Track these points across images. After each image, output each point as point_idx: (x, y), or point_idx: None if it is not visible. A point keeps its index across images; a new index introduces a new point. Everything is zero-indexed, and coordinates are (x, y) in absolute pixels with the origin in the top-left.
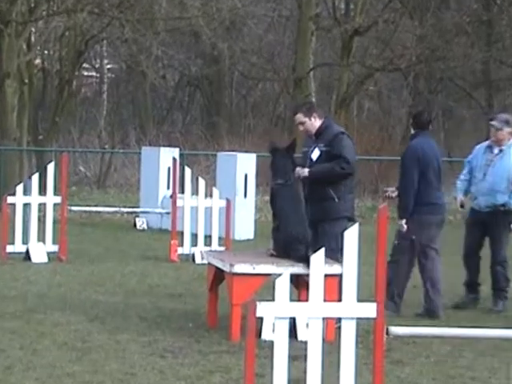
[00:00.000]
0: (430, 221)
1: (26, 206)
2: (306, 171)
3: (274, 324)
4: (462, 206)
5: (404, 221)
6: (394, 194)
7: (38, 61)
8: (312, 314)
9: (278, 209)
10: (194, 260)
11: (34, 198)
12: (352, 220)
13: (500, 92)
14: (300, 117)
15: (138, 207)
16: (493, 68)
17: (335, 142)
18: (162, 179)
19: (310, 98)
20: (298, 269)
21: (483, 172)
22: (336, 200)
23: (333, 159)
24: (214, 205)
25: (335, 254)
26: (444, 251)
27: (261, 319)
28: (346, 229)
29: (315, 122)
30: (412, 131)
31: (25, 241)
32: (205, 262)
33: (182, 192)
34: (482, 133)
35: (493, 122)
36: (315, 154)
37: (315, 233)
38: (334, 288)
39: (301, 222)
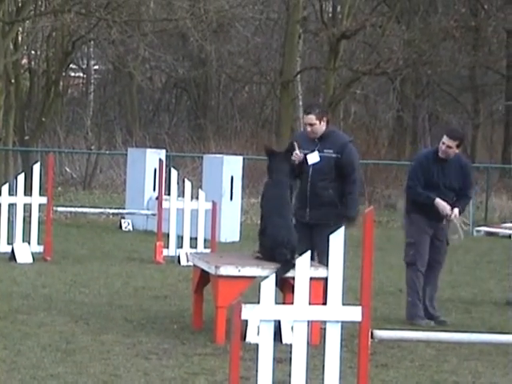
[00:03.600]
0: None
1: (12, 206)
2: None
3: (258, 327)
4: None
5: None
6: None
7: (24, 61)
8: (297, 317)
9: (265, 211)
10: (179, 262)
11: (20, 199)
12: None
13: (486, 97)
14: (312, 118)
15: (123, 208)
16: (479, 73)
17: (346, 152)
18: (148, 181)
19: (297, 101)
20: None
21: None
22: (338, 206)
23: (343, 167)
24: (199, 207)
25: None
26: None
27: (246, 322)
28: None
29: (323, 127)
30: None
31: (10, 241)
32: (190, 263)
33: (168, 194)
34: (467, 137)
35: None
36: (313, 159)
37: (313, 236)
38: (319, 291)
39: (287, 226)
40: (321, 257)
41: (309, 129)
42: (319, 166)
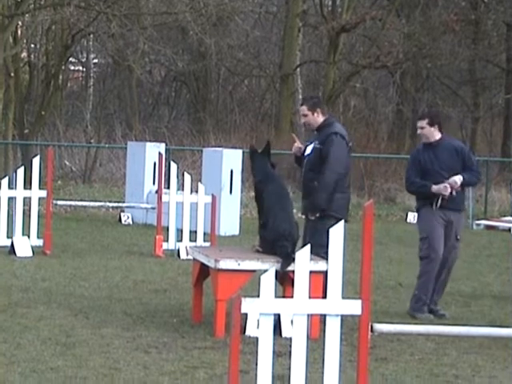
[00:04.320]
0: None
1: (11, 199)
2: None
3: (258, 320)
4: None
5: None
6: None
7: (24, 54)
8: (297, 310)
9: (265, 206)
10: (178, 255)
11: (19, 192)
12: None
13: (486, 91)
14: (304, 109)
15: (123, 202)
16: (479, 67)
17: (327, 142)
18: (148, 174)
19: (297, 94)
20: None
21: None
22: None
23: (323, 159)
24: (199, 200)
25: (322, 249)
26: None
27: (245, 315)
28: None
29: (317, 118)
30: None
31: (9, 234)
32: (190, 257)
33: (168, 187)
34: (467, 131)
35: None
36: (308, 150)
37: (307, 226)
38: (319, 285)
39: (288, 218)
40: (314, 248)
41: (303, 120)
42: (309, 158)
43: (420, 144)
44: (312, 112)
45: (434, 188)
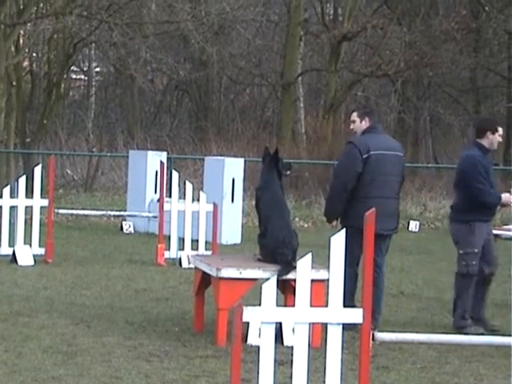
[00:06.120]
0: None
1: (13, 208)
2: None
3: (260, 329)
4: None
5: None
6: None
7: (26, 63)
8: (298, 319)
9: (262, 214)
10: (180, 264)
11: (21, 201)
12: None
13: (487, 99)
14: (354, 116)
15: (124, 211)
16: (480, 75)
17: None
18: (150, 183)
19: (299, 103)
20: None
21: None
22: (346, 207)
23: None
24: (201, 209)
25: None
26: None
27: (247, 324)
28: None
29: (363, 126)
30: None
31: (11, 243)
32: (191, 266)
33: (170, 196)
34: (469, 139)
35: None
36: None
37: None
38: (320, 293)
39: (286, 226)
40: None
41: (352, 126)
42: None
43: (475, 151)
44: (360, 120)
45: (505, 197)
